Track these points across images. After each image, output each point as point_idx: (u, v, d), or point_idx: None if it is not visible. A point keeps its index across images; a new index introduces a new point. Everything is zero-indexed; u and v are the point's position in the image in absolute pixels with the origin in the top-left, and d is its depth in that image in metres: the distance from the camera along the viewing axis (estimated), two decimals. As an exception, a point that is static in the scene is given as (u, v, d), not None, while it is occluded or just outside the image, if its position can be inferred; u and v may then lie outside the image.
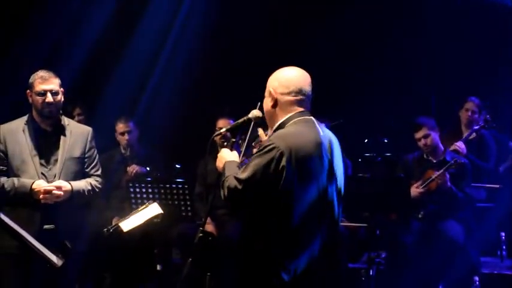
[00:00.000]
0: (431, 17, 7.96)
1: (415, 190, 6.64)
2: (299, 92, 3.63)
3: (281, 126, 3.62)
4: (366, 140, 7.11)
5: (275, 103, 3.64)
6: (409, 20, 8.01)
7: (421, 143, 6.76)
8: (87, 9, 8.03)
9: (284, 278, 3.46)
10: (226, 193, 3.49)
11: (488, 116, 7.30)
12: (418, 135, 6.77)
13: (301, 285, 3.49)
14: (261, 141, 3.92)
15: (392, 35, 7.92)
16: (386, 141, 7.10)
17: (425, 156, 6.88)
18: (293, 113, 3.62)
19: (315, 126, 3.63)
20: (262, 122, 3.85)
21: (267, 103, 3.68)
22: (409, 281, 6.62)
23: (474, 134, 7.32)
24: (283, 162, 3.43)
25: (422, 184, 6.64)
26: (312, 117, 3.66)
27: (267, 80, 3.76)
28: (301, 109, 3.64)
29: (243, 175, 3.45)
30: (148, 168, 7.10)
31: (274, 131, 3.65)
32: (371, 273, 6.31)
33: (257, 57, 7.90)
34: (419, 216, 6.66)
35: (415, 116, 7.20)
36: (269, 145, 3.48)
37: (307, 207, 3.48)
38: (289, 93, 3.62)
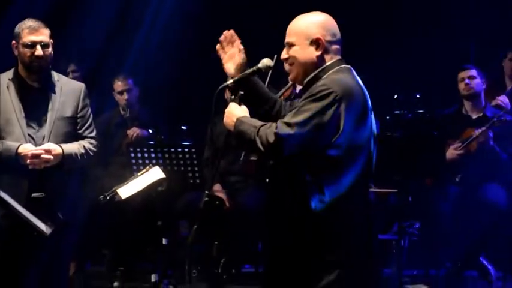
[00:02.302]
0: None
1: (452, 152, 6.56)
2: (340, 40, 3.65)
3: (319, 76, 3.57)
4: (396, 96, 6.97)
5: (325, 51, 3.58)
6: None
7: (464, 83, 6.74)
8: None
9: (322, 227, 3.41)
10: (270, 140, 3.38)
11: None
12: (463, 74, 6.75)
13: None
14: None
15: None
16: (418, 96, 6.96)
17: (463, 111, 6.77)
18: (333, 61, 3.60)
19: (355, 74, 3.62)
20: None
21: (309, 52, 3.59)
22: (446, 254, 6.55)
23: (520, 87, 7.19)
24: (342, 108, 3.39)
25: (461, 144, 6.53)
26: (349, 66, 3.65)
27: (280, 31, 3.70)
28: (338, 57, 3.64)
29: (295, 119, 3.38)
30: (150, 131, 7.00)
31: (308, 82, 3.58)
32: (403, 244, 6.24)
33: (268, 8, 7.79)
34: (457, 180, 6.58)
35: (450, 67, 7.08)
36: (324, 89, 3.42)
37: (359, 162, 3.46)
38: (336, 42, 3.62)
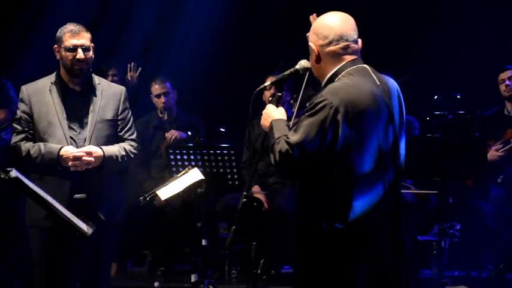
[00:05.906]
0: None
1: (493, 153, 6.56)
2: (340, 38, 3.58)
3: (331, 80, 3.59)
4: (436, 97, 7.00)
5: (318, 57, 3.61)
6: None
7: (504, 84, 6.77)
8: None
9: (343, 243, 3.46)
10: (277, 158, 3.46)
11: None
12: (503, 75, 6.80)
13: (362, 251, 3.48)
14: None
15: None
16: (458, 97, 6.98)
17: (505, 112, 6.78)
18: (343, 64, 3.59)
19: (371, 75, 3.59)
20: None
21: (311, 60, 3.66)
22: (487, 255, 6.55)
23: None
24: (339, 119, 3.40)
25: (503, 145, 6.54)
26: (365, 65, 3.62)
27: None
28: (351, 57, 3.60)
29: (294, 138, 3.42)
30: (189, 133, 7.09)
31: (324, 86, 3.60)
32: (443, 246, 6.26)
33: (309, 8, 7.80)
34: (499, 180, 6.58)
35: (491, 68, 7.09)
36: (321, 102, 3.44)
37: (367, 167, 3.46)
38: (330, 43, 3.58)
